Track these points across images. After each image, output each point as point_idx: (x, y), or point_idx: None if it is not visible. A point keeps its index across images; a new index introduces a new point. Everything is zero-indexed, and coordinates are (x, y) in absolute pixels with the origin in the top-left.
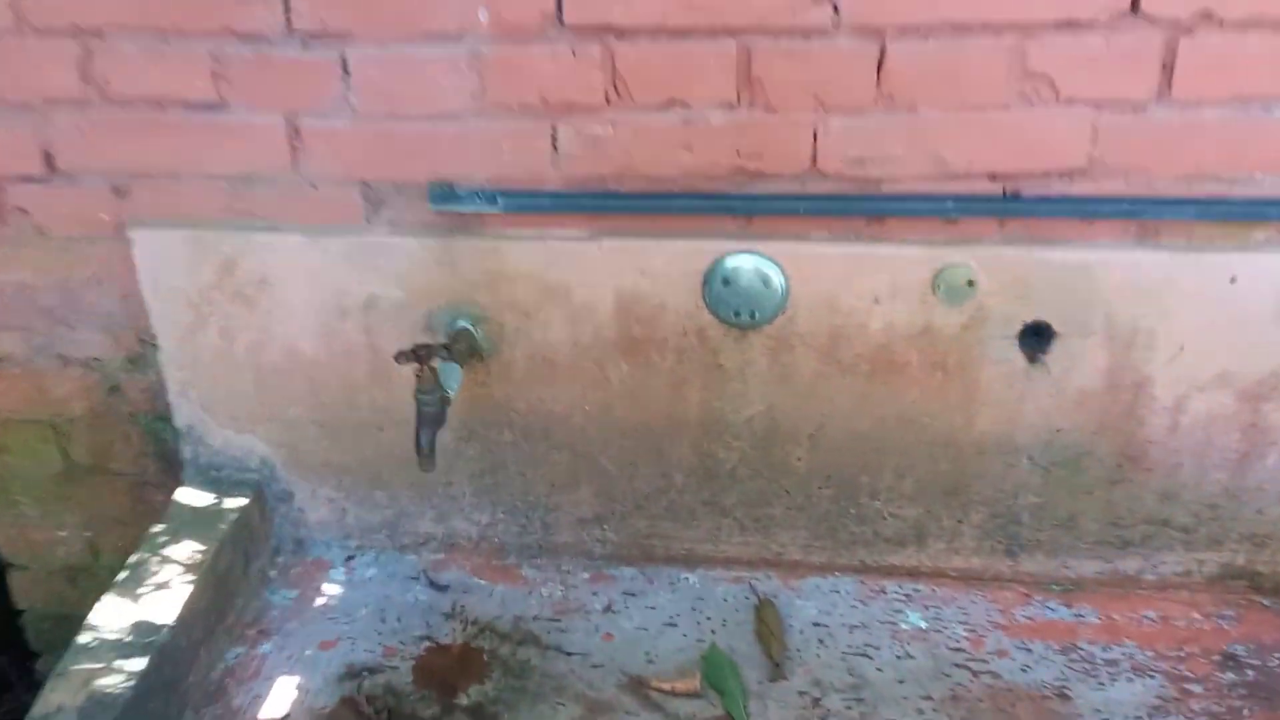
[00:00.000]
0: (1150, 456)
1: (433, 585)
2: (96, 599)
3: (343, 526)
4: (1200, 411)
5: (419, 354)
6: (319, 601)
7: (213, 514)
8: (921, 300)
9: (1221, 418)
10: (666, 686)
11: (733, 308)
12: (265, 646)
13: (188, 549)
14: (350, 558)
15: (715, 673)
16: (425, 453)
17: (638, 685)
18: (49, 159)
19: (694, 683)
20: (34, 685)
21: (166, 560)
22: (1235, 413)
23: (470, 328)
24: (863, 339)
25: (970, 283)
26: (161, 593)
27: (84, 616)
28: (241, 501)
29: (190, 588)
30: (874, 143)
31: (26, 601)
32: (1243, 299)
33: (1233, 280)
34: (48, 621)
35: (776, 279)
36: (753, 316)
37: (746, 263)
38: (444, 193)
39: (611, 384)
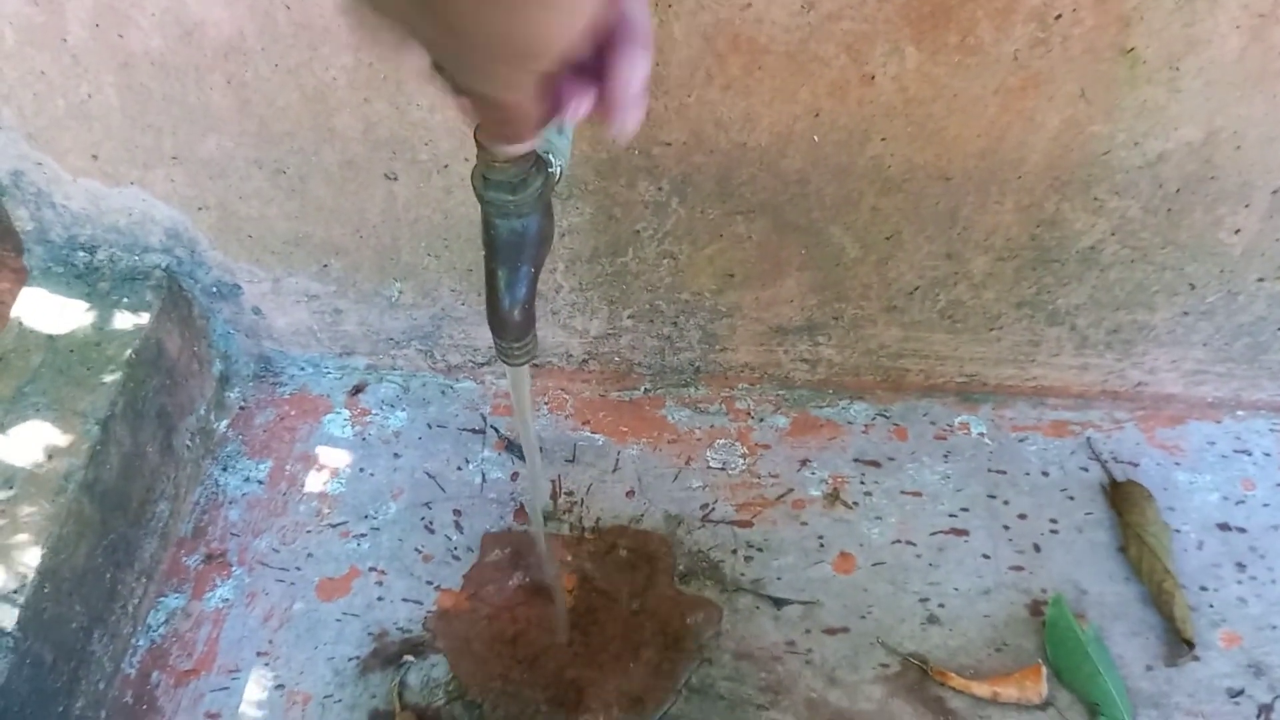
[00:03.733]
0: None
1: (511, 447)
2: None
3: (338, 336)
4: None
5: None
6: (311, 483)
7: (87, 341)
8: None
9: None
10: (984, 691)
11: None
12: (219, 594)
13: (42, 428)
14: (358, 389)
15: (1067, 658)
16: (513, 324)
17: (920, 677)
18: None
19: (1035, 684)
20: None
21: (4, 452)
22: None
23: None
24: None
25: None
26: (10, 530)
27: None
28: (139, 318)
29: (54, 512)
30: None
31: None
32: None
33: None
34: None
35: None
36: None
37: None
38: None
39: (876, 89)
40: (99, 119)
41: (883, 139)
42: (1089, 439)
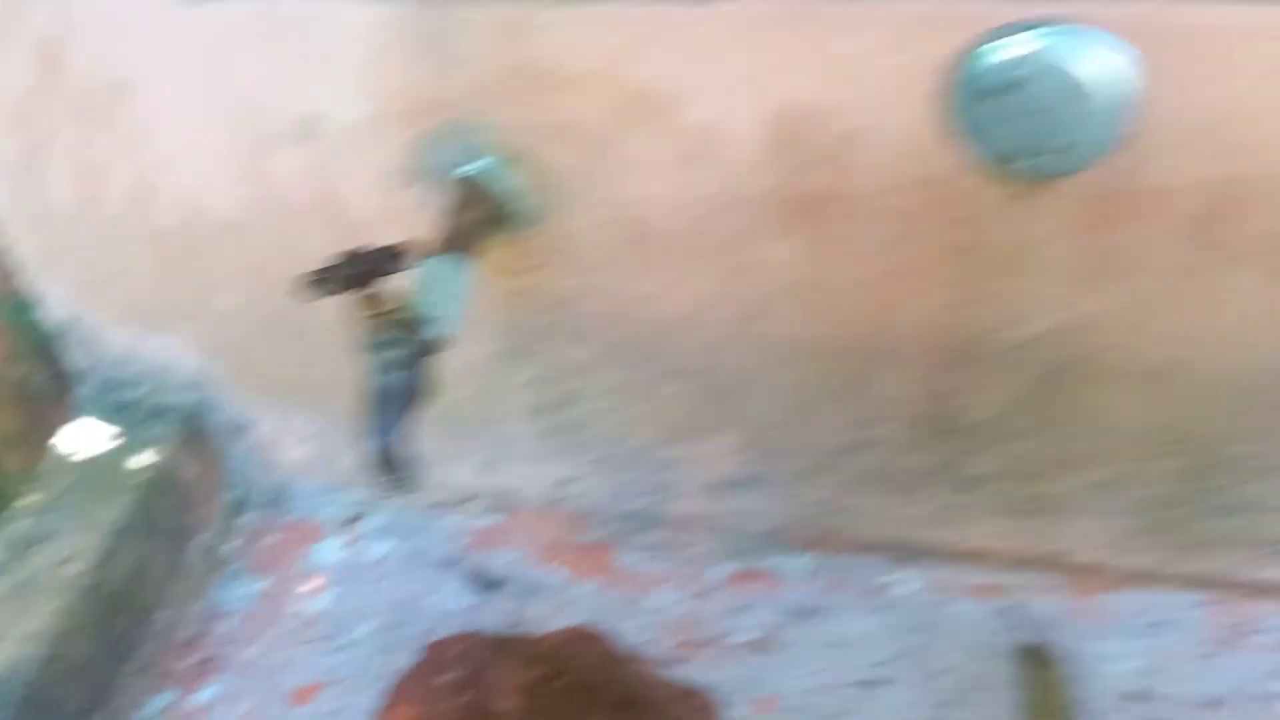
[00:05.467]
0: None
1: (478, 581)
2: None
3: (337, 472)
4: None
5: (354, 267)
6: (300, 602)
7: (112, 465)
8: None
9: None
10: None
11: (1010, 138)
12: (207, 693)
13: (62, 536)
14: (355, 519)
15: None
16: (382, 461)
17: None
18: None
19: None
20: None
21: (29, 556)
22: None
23: (494, 172)
24: None
25: None
26: (21, 621)
27: None
28: (162, 448)
29: (62, 607)
30: None
31: None
32: None
33: None
34: None
35: (1106, 79)
36: (1053, 155)
37: (1040, 47)
38: None
39: (768, 273)
40: (138, 278)
41: (777, 318)
42: (1011, 604)
